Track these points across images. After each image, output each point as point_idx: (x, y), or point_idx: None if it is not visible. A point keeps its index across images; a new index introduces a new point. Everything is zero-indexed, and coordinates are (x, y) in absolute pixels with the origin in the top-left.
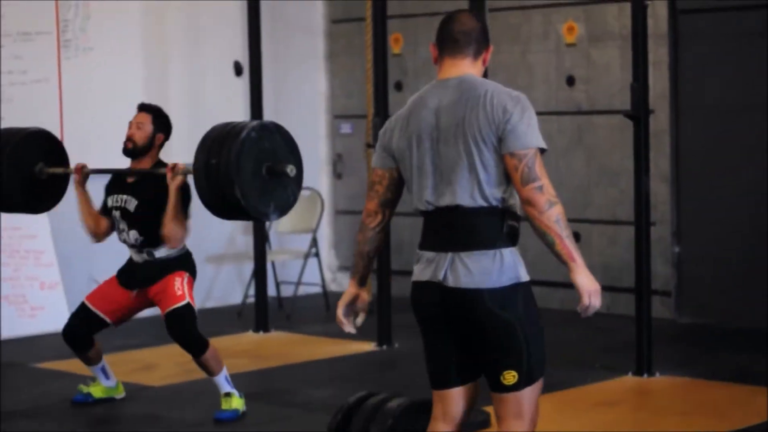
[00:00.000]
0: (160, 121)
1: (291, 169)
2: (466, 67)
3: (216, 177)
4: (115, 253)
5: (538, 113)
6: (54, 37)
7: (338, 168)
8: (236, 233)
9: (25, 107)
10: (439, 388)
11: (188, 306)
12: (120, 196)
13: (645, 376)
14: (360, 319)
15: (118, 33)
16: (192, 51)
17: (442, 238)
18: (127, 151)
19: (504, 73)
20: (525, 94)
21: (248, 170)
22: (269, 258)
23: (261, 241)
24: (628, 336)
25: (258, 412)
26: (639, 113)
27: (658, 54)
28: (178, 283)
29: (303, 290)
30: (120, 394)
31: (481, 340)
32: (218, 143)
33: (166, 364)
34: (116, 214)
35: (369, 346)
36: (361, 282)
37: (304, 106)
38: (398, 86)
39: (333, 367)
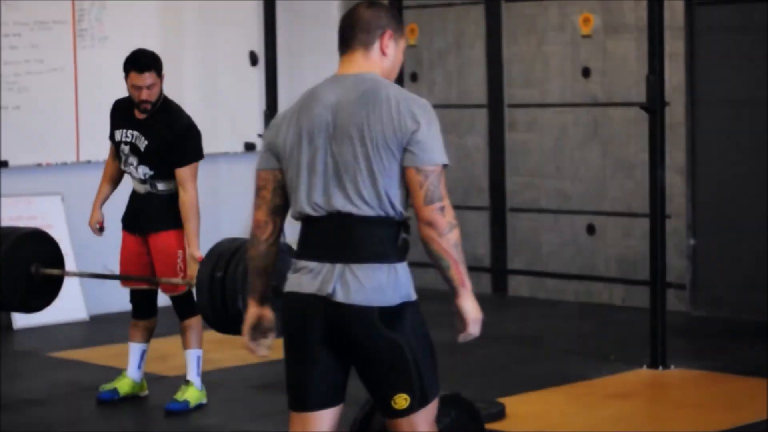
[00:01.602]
0: (159, 68)
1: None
2: (360, 62)
3: (221, 290)
4: None
5: (554, 105)
6: (70, 27)
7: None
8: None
9: (42, 96)
10: (299, 410)
11: (190, 291)
12: (129, 131)
13: (660, 368)
14: (270, 340)
15: (134, 22)
16: (207, 41)
17: (331, 248)
18: (145, 112)
19: (519, 65)
20: (540, 86)
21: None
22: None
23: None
24: (643, 329)
25: (272, 404)
26: (655, 105)
27: (675, 46)
28: (180, 259)
29: None
30: (144, 391)
31: (368, 362)
32: (224, 258)
33: (180, 354)
34: (125, 148)
35: None
36: (262, 301)
37: None
38: (413, 77)
39: None
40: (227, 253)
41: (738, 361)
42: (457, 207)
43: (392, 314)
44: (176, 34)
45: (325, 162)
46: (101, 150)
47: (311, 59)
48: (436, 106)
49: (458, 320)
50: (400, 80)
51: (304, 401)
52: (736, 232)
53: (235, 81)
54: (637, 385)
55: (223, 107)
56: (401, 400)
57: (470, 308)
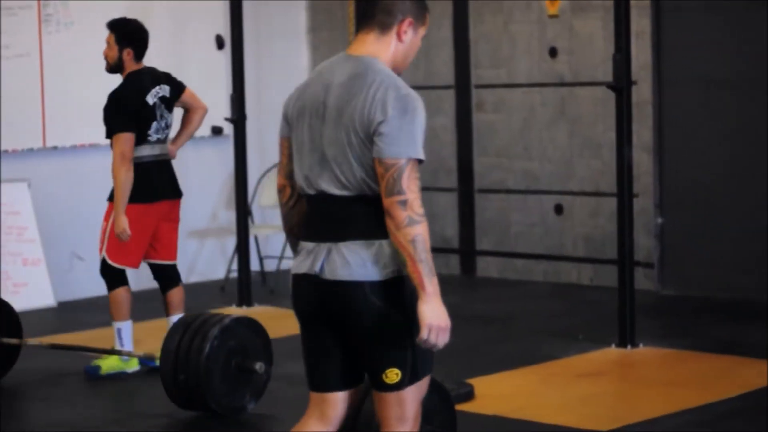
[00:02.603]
0: (122, 35)
1: (260, 367)
2: (371, 43)
3: (186, 390)
4: (97, 230)
5: (522, 85)
6: (35, 12)
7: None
8: (219, 208)
9: (7, 82)
10: (318, 391)
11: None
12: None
13: (628, 347)
14: None
15: (100, 7)
16: (174, 25)
17: (320, 228)
18: (107, 69)
19: (486, 45)
20: (507, 66)
21: (216, 381)
22: (252, 232)
23: (244, 215)
24: (611, 308)
25: None
26: (621, 84)
27: (641, 25)
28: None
29: (286, 264)
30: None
31: (362, 336)
32: (185, 353)
33: (151, 340)
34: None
35: None
36: None
37: (286, 79)
38: None
39: None
40: (186, 346)
41: (706, 339)
42: (425, 189)
43: (385, 289)
44: (143, 18)
45: (314, 141)
46: (68, 135)
47: (278, 43)
48: None
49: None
50: None
51: (317, 382)
52: (703, 210)
53: (202, 65)
54: (606, 364)
55: None
56: (392, 375)
57: (428, 313)
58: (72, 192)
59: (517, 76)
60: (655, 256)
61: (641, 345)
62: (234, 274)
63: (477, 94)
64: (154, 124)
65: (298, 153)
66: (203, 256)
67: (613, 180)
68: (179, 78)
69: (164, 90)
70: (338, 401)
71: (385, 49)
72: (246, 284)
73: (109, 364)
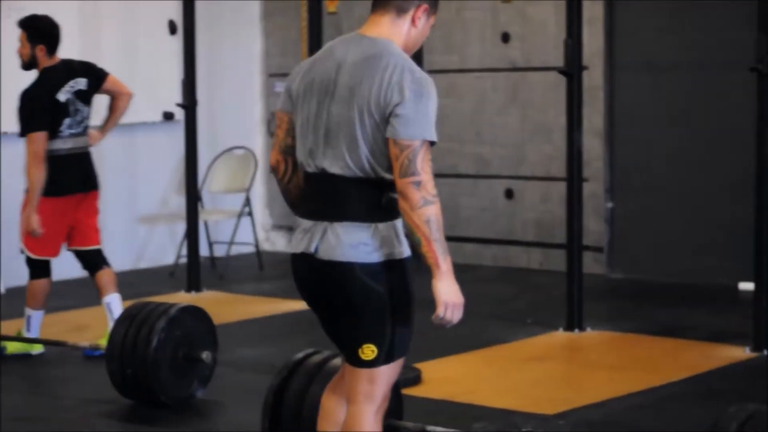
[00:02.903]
0: (33, 33)
1: (207, 356)
2: (386, 25)
3: (134, 383)
4: None
5: (474, 70)
6: None
7: (272, 127)
8: (169, 193)
9: None
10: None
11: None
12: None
13: (576, 331)
14: None
15: None
16: (126, 10)
17: (318, 206)
18: (22, 67)
19: (439, 30)
20: (459, 51)
21: (164, 372)
22: (202, 218)
23: (193, 201)
24: (560, 292)
25: None
26: (572, 70)
27: (594, 11)
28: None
29: (236, 250)
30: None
31: (348, 312)
32: (131, 346)
33: (96, 325)
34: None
35: (302, 305)
36: None
37: (239, 65)
38: None
39: (266, 326)
40: (132, 339)
41: (653, 322)
42: None
43: (377, 271)
44: (95, 3)
45: (322, 119)
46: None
47: (231, 29)
48: None
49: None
50: (319, 48)
51: (338, 347)
52: (653, 195)
53: (154, 50)
54: (553, 347)
55: (141, 76)
56: (368, 351)
57: (443, 290)
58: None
59: (469, 62)
60: (604, 240)
61: (589, 329)
62: (183, 260)
63: None
64: (67, 120)
65: (303, 129)
66: (153, 241)
67: (564, 165)
68: (131, 63)
69: (80, 83)
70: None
71: (399, 33)
72: (195, 270)
73: (15, 345)
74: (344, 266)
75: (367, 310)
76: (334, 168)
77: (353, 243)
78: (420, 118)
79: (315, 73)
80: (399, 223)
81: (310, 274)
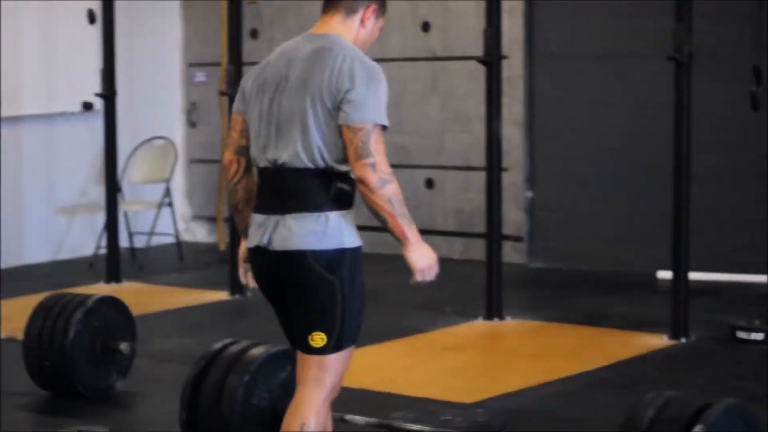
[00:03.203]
0: None
1: (125, 347)
2: (336, 24)
3: (52, 375)
4: None
5: (394, 60)
6: None
7: (192, 116)
8: (88, 184)
9: None
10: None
11: None
12: None
13: (495, 320)
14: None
15: None
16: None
17: (271, 200)
18: None
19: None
20: (380, 41)
21: (82, 364)
22: (122, 208)
23: (113, 191)
24: (480, 281)
25: None
26: (491, 59)
27: (513, 1)
28: None
29: (156, 240)
30: None
31: (299, 297)
32: (48, 338)
33: (19, 317)
34: None
35: (222, 295)
36: (245, 235)
37: (159, 54)
38: (253, 34)
39: (185, 316)
40: (49, 331)
41: (573, 311)
42: None
43: (327, 259)
44: None
45: (273, 113)
46: None
47: (150, 18)
48: None
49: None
50: (239, 38)
51: (290, 343)
52: (572, 184)
53: (73, 40)
54: (473, 336)
55: (60, 66)
56: (318, 338)
57: (415, 258)
58: None
59: (389, 51)
60: (524, 229)
61: (508, 318)
62: (103, 251)
63: None
64: None
65: (256, 126)
66: (72, 232)
67: (484, 154)
68: (50, 53)
69: None
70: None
71: (348, 32)
72: (115, 261)
73: None
74: (296, 255)
75: (318, 298)
76: (284, 159)
77: (303, 232)
78: (371, 102)
79: (267, 72)
80: (349, 214)
81: (266, 268)
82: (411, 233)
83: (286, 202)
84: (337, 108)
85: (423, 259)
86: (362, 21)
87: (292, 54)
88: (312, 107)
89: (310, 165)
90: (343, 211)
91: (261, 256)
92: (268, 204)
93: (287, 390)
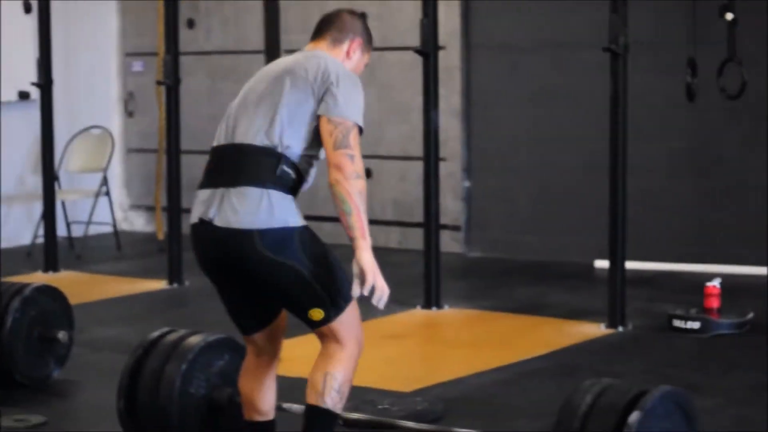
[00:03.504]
0: None
1: (63, 335)
2: (323, 48)
3: None
4: None
5: None
6: None
7: (130, 106)
8: (26, 173)
9: None
10: (244, 335)
11: None
12: None
13: (434, 309)
14: None
15: None
16: None
17: (218, 176)
18: None
19: (296, 10)
20: None
21: (20, 353)
22: (59, 197)
23: (50, 180)
24: (418, 270)
25: None
26: (428, 49)
27: None
28: None
29: (94, 229)
30: None
31: (270, 290)
32: None
33: None
34: None
35: (160, 284)
36: None
37: (96, 43)
38: (190, 23)
39: (123, 305)
40: None
41: (511, 300)
42: None
43: (275, 239)
44: None
45: (247, 99)
46: None
47: (86, 7)
48: (212, 53)
49: (359, 273)
50: (175, 27)
51: (240, 328)
52: (510, 174)
53: (9, 29)
54: (411, 325)
55: None
56: (316, 314)
57: (368, 259)
58: None
59: None
60: (462, 219)
61: (447, 306)
62: (41, 240)
63: None
64: None
65: (227, 116)
66: (10, 221)
67: (422, 144)
68: None
69: None
70: (265, 338)
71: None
72: (52, 249)
73: None
74: (242, 234)
75: (283, 281)
76: (240, 137)
77: (248, 210)
78: (352, 102)
79: (251, 82)
80: (293, 200)
81: (212, 246)
82: (368, 236)
83: (233, 176)
84: (319, 98)
85: (373, 263)
86: (347, 53)
87: (274, 63)
88: (290, 89)
89: (266, 142)
90: (287, 195)
91: (205, 233)
92: (213, 180)
93: (225, 378)
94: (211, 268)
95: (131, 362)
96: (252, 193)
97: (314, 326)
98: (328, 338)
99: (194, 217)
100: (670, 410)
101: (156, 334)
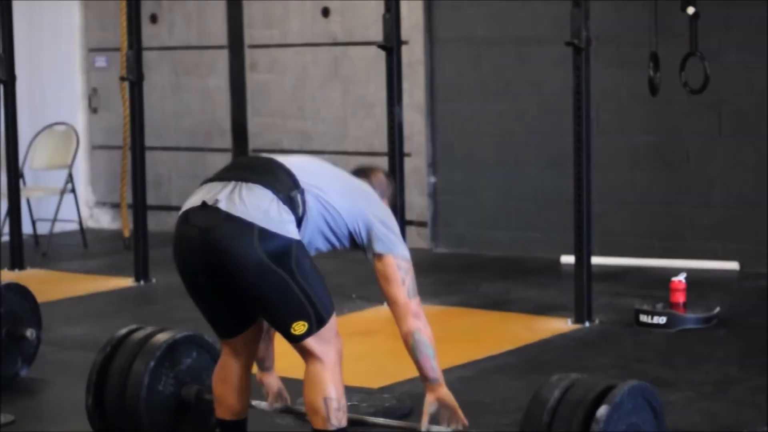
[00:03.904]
0: None
1: (31, 333)
2: None
3: None
4: None
5: (295, 45)
6: None
7: (94, 102)
8: None
9: None
10: (222, 339)
11: None
12: None
13: None
14: None
15: None
16: None
17: (230, 172)
18: None
19: (259, 5)
20: (280, 26)
21: None
22: (24, 195)
23: (15, 177)
24: None
25: None
26: (391, 44)
27: None
28: None
29: (60, 227)
30: None
31: (251, 294)
32: None
33: None
34: None
35: (127, 282)
36: None
37: (59, 39)
38: (153, 18)
39: (90, 303)
40: None
41: (478, 296)
42: (199, 150)
43: (273, 243)
44: None
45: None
46: None
47: (48, 4)
48: (176, 48)
49: (444, 409)
50: (138, 23)
51: (219, 334)
52: (475, 169)
53: None
54: (378, 322)
55: None
56: (300, 327)
57: (451, 396)
58: None
59: (290, 36)
60: (428, 215)
61: None
62: (6, 238)
63: (250, 55)
64: None
65: None
66: None
67: (386, 139)
68: None
69: None
70: (245, 341)
71: None
72: (18, 247)
73: None
74: (243, 224)
75: (275, 295)
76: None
77: (257, 206)
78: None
79: None
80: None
81: (203, 233)
82: None
83: (248, 175)
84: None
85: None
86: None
87: None
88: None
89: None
90: (291, 214)
91: (202, 217)
92: (226, 175)
93: (193, 375)
94: (192, 265)
95: (99, 360)
96: (263, 193)
97: (295, 341)
98: (309, 355)
99: (194, 202)
100: (638, 405)
101: (123, 331)
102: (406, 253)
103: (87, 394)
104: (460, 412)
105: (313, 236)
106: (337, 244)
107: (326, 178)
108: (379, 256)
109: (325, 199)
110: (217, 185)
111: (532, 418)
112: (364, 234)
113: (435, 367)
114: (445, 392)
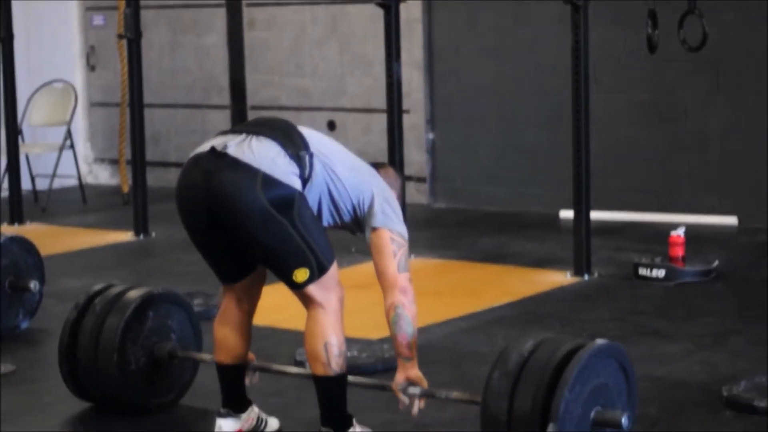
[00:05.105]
0: None
1: (34, 285)
2: None
3: None
4: None
5: (293, 3)
6: None
7: (92, 60)
8: None
9: None
10: (224, 283)
11: None
12: None
13: None
14: None
15: None
16: None
17: (244, 125)
18: None
19: None
20: None
21: None
22: (23, 151)
23: (14, 134)
24: None
25: None
26: (390, 2)
27: None
28: None
29: (59, 183)
30: None
31: (254, 241)
32: None
33: None
34: None
35: (126, 236)
36: None
37: None
38: None
39: (90, 257)
40: None
41: (477, 250)
42: (197, 106)
43: (276, 192)
44: None
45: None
46: None
47: None
48: (173, 7)
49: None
50: None
51: (220, 277)
52: (473, 125)
53: None
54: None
55: None
56: (301, 274)
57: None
58: None
59: None
60: (426, 170)
61: (413, 256)
62: (5, 193)
63: (248, 12)
64: None
65: None
66: None
67: (384, 96)
68: None
69: None
70: (246, 286)
71: None
72: (17, 202)
73: None
74: (249, 170)
75: (277, 243)
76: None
77: (265, 155)
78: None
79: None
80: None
81: (208, 176)
82: None
83: (261, 129)
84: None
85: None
86: None
87: None
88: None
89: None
90: (296, 168)
91: (209, 160)
92: (239, 128)
93: (166, 333)
94: (195, 209)
95: (73, 317)
96: (272, 144)
97: (297, 287)
98: (310, 301)
99: (203, 148)
100: (606, 364)
101: (98, 287)
102: (404, 231)
103: (59, 353)
104: (425, 384)
105: (315, 204)
106: (337, 218)
107: (337, 153)
108: (375, 229)
109: (332, 169)
110: (229, 136)
111: (493, 384)
112: (366, 209)
113: (411, 346)
114: (416, 373)
